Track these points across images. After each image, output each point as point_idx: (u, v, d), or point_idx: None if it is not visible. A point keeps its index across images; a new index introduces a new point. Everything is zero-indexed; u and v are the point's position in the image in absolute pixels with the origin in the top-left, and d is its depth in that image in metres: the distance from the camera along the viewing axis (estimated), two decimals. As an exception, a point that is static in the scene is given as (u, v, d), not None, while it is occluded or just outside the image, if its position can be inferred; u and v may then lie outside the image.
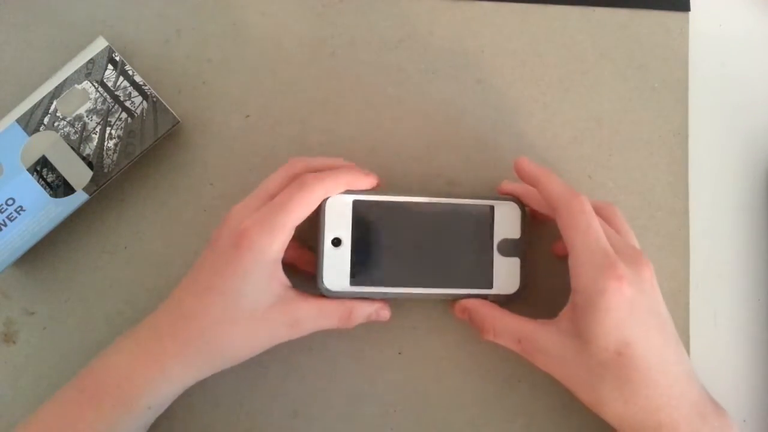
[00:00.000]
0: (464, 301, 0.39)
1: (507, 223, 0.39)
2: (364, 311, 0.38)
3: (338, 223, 0.38)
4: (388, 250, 0.38)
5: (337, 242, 0.38)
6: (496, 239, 0.39)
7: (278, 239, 0.34)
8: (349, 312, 0.37)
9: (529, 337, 0.36)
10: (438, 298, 0.39)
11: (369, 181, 0.38)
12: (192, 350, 0.34)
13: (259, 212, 0.35)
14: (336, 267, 0.38)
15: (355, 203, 0.38)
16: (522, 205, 0.39)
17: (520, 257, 0.39)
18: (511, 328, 0.36)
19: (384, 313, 0.38)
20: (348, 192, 0.38)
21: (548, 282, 0.40)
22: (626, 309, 0.33)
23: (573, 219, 0.34)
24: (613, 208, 0.38)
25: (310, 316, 0.36)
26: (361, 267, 0.38)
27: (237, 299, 0.34)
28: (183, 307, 0.35)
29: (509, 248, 0.39)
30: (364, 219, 0.38)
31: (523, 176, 0.37)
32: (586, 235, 0.34)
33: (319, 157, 0.39)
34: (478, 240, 0.39)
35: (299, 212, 0.35)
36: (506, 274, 0.39)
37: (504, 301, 0.39)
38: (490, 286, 0.39)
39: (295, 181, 0.36)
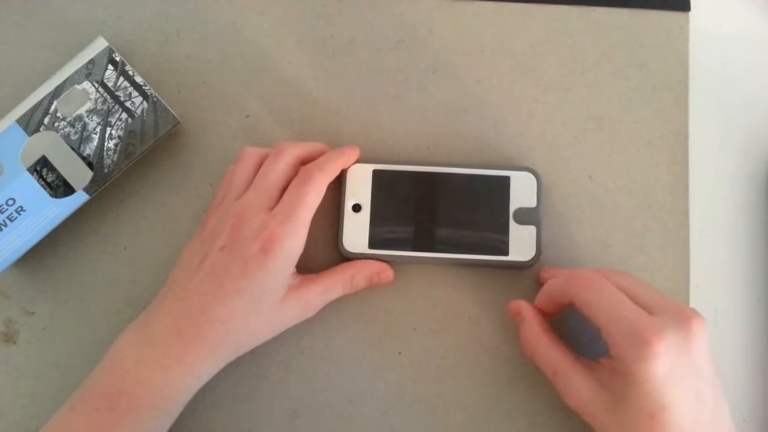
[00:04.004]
0: (521, 305, 0.38)
1: (523, 192, 0.40)
2: (365, 274, 0.39)
3: (359, 190, 0.40)
4: (405, 216, 0.40)
5: (357, 208, 0.40)
6: (512, 208, 0.40)
7: (302, 237, 0.36)
8: (351, 278, 0.39)
9: (565, 374, 0.35)
10: (454, 262, 0.40)
11: (355, 153, 0.40)
12: (224, 349, 0.36)
13: (279, 214, 0.36)
14: (355, 231, 0.40)
15: (375, 172, 0.41)
16: (538, 175, 0.41)
17: (535, 225, 0.40)
18: (550, 356, 0.36)
19: (386, 275, 0.40)
20: (368, 161, 0.41)
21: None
22: (664, 376, 0.32)
23: (587, 298, 0.34)
24: (624, 274, 0.37)
25: (318, 295, 0.38)
26: (379, 231, 0.40)
27: (261, 295, 0.35)
28: (210, 313, 0.34)
29: (525, 217, 0.40)
30: (383, 187, 0.40)
31: (551, 291, 0.37)
32: (604, 308, 0.33)
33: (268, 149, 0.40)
34: (494, 208, 0.40)
35: (314, 205, 0.37)
36: (522, 242, 0.40)
37: (519, 268, 0.40)
38: (506, 253, 0.40)
39: (300, 174, 0.37)
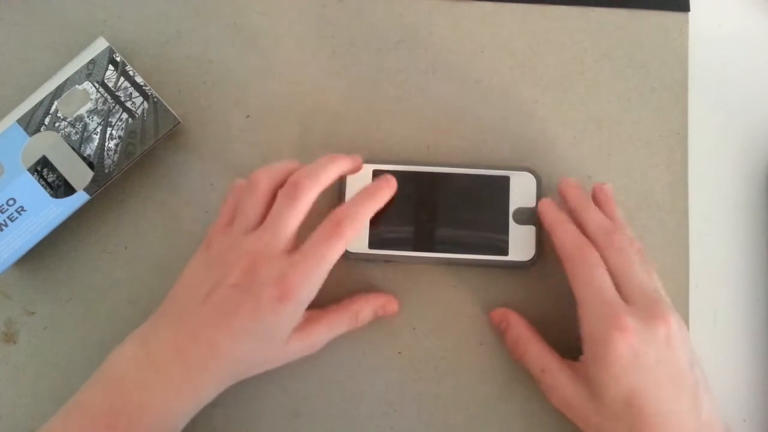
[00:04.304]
0: (505, 312, 0.39)
1: (522, 193, 0.40)
2: (370, 309, 0.39)
3: (359, 190, 0.39)
4: (405, 216, 0.40)
5: None
6: (512, 208, 0.40)
7: (317, 287, 0.35)
8: (356, 315, 0.39)
9: (552, 371, 0.37)
10: (454, 262, 0.40)
11: (389, 190, 0.39)
12: (226, 379, 0.36)
13: (301, 263, 0.34)
14: None
15: (375, 172, 0.41)
16: (537, 175, 0.41)
17: (535, 225, 0.40)
18: (539, 356, 0.37)
19: (390, 307, 0.40)
20: (368, 162, 0.40)
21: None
22: (631, 359, 0.33)
23: (576, 270, 0.35)
24: (634, 248, 0.36)
25: (322, 334, 0.38)
26: (379, 231, 0.40)
27: (268, 337, 0.35)
28: (216, 347, 0.34)
29: (525, 217, 0.40)
30: None
31: (542, 219, 0.39)
32: (588, 286, 0.35)
33: (283, 163, 0.38)
34: (493, 208, 0.40)
35: (336, 258, 0.35)
36: (521, 242, 0.40)
37: (519, 268, 0.40)
38: (506, 253, 0.40)
39: (331, 223, 0.35)
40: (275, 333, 0.35)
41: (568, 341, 0.38)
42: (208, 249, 0.37)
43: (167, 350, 0.35)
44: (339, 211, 0.36)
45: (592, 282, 0.35)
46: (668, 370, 0.34)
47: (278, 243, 0.35)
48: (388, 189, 0.39)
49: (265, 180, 0.37)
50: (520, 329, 0.39)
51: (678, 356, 0.34)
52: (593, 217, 0.37)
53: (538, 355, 0.37)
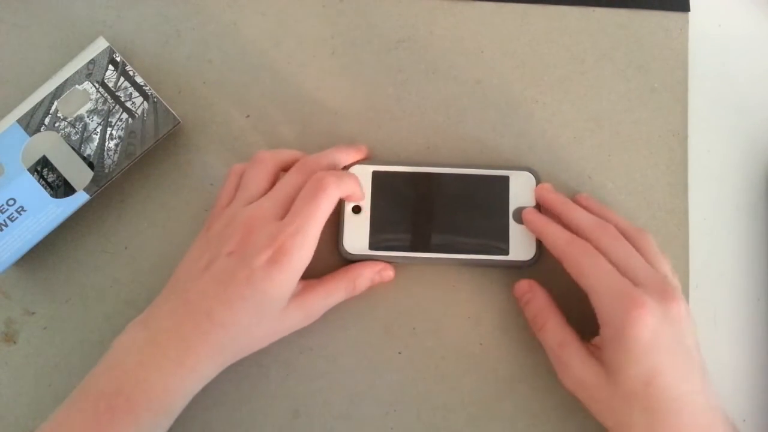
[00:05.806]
0: (531, 283, 0.39)
1: (522, 192, 0.40)
2: (367, 276, 0.40)
3: None
4: (405, 217, 0.40)
5: (357, 209, 0.40)
6: (512, 207, 0.40)
7: (312, 249, 0.36)
8: (353, 282, 0.39)
9: (570, 347, 0.36)
10: (454, 263, 0.40)
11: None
12: (225, 353, 0.36)
13: (290, 225, 0.35)
14: (356, 232, 0.40)
15: (375, 173, 0.41)
16: (537, 174, 0.41)
17: None
18: (559, 329, 0.37)
19: (387, 274, 0.40)
20: (368, 162, 0.41)
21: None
22: (651, 338, 0.33)
23: (577, 263, 0.36)
24: (642, 235, 0.38)
25: (320, 302, 0.38)
26: (380, 232, 0.40)
27: (264, 304, 0.35)
28: (213, 317, 0.34)
29: None
30: (382, 188, 0.40)
31: (529, 228, 0.39)
32: (595, 275, 0.35)
33: (285, 150, 0.40)
34: (493, 208, 0.40)
35: (326, 217, 0.36)
36: (522, 241, 0.40)
37: (520, 267, 0.40)
38: (506, 253, 0.40)
39: (315, 182, 0.36)
40: (271, 299, 0.35)
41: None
42: (208, 229, 0.38)
43: (167, 328, 0.35)
44: (324, 173, 0.37)
45: (597, 269, 0.35)
46: (681, 349, 0.34)
47: (275, 209, 0.36)
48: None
49: (270, 158, 0.38)
50: (543, 302, 0.39)
51: (688, 337, 0.34)
52: (579, 215, 0.38)
53: (558, 328, 0.37)
